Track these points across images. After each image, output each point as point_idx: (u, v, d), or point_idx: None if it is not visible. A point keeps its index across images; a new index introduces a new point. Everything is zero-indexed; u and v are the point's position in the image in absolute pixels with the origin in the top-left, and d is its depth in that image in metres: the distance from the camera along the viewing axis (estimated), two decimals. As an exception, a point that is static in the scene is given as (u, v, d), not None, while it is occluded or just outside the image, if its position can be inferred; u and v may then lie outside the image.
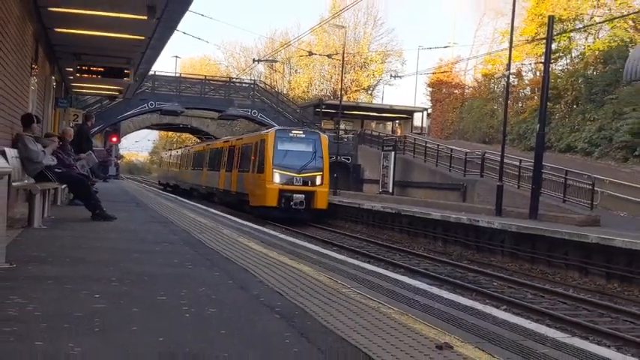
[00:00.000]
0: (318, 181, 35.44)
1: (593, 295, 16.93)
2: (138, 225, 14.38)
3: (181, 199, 33.56)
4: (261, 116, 56.36)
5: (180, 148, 75.99)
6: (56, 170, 13.90)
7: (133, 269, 8.25)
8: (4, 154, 9.12)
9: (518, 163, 34.14)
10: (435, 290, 8.70)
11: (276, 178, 34.51)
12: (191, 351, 4.80)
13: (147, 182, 66.29)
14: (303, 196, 34.63)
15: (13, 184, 10.15)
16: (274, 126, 48.35)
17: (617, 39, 44.06)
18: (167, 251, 10.35)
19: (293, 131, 37.87)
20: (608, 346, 9.79)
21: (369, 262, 15.56)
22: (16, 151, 11.89)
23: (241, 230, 15.36)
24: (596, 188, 29.70)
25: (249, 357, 4.77)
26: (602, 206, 29.22)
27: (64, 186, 16.56)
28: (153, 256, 9.68)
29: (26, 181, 11.89)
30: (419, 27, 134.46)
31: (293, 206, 34.34)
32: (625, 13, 43.14)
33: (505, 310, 11.34)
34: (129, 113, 54.90)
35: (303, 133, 37.83)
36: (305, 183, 35.14)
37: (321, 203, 35.52)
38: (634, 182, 30.29)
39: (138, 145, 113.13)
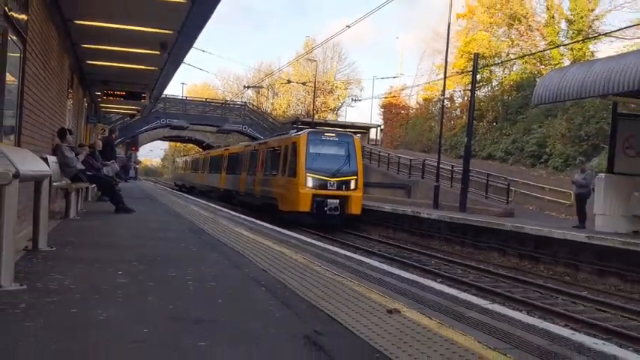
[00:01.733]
0: (352, 185, 26.57)
1: (510, 271, 17.04)
2: (152, 217, 14.33)
3: (188, 196, 33.25)
4: (250, 130, 56.29)
5: (196, 153, 67.91)
6: (87, 173, 13.92)
7: (149, 252, 8.21)
8: (46, 160, 9.04)
9: (450, 168, 34.44)
10: (386, 267, 8.72)
11: (309, 183, 25.85)
12: (195, 316, 4.78)
13: (159, 183, 65.75)
14: (338, 201, 25.96)
15: (54, 184, 10.06)
16: (260, 138, 47.02)
17: (527, 72, 44.51)
18: (176, 237, 10.30)
19: (326, 134, 28.40)
20: (521, 311, 9.85)
21: (332, 245, 15.55)
22: (55, 157, 11.81)
23: (235, 221, 15.33)
24: (510, 187, 30.05)
25: (240, 320, 4.76)
26: (515, 202, 29.46)
27: (93, 185, 16.50)
28: (164, 241, 9.63)
29: (63, 182, 11.81)
30: (374, 61, 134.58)
31: (327, 212, 25.80)
32: (533, 51, 43.56)
33: (441, 282, 11.38)
34: (145, 128, 54.87)
35: (336, 136, 28.19)
36: (339, 187, 26.31)
37: (355, 208, 26.58)
38: (539, 183, 30.71)
39: (152, 152, 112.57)
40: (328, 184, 25.97)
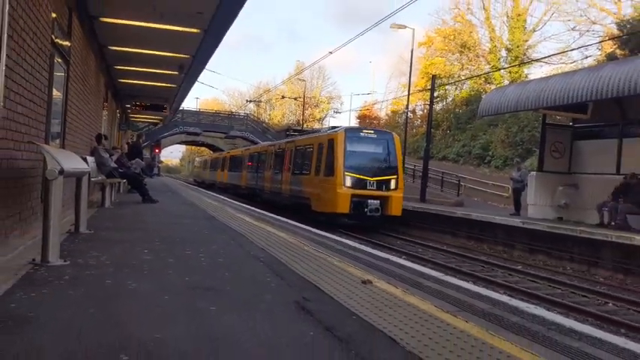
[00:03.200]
0: (392, 185, 20.79)
1: (459, 250, 17.11)
2: (172, 206, 14.26)
3: (202, 190, 32.94)
4: (251, 136, 56.16)
5: (215, 153, 59.46)
6: (119, 170, 13.87)
7: (169, 234, 8.18)
8: (85, 160, 8.97)
9: (413, 167, 34.64)
10: (361, 247, 8.74)
11: (348, 182, 20.12)
12: (207, 285, 4.78)
13: (178, 179, 65.36)
14: (379, 201, 20.24)
15: (92, 179, 10.00)
16: (259, 143, 44.61)
17: (474, 90, 44.71)
18: (191, 223, 10.26)
19: (364, 130, 22.10)
20: (468, 281, 9.91)
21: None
22: (93, 158, 11.74)
23: (240, 210, 15.29)
24: (460, 183, 30.21)
25: (243, 289, 4.76)
26: (464, 194, 29.55)
27: (124, 180, 16.41)
28: (182, 226, 9.60)
29: (100, 178, 11.73)
30: (352, 80, 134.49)
31: (368, 213, 20.05)
32: (479, 73, 43.75)
33: (405, 259, 11.42)
34: (166, 134, 54.67)
35: (375, 133, 22.08)
36: (379, 187, 20.51)
37: (395, 209, 20.72)
38: (483, 179, 30.98)
39: (172, 154, 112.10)
40: (368, 184, 20.17)
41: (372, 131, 21.79)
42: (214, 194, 25.97)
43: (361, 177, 20.12)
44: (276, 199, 26.93)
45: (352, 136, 20.79)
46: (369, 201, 19.92)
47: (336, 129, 21.55)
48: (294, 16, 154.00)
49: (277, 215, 13.82)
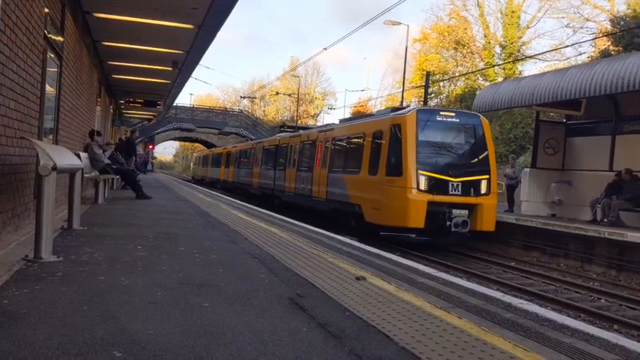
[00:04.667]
0: (483, 187, 14.78)
1: (454, 247, 17.10)
2: (166, 202, 14.23)
3: (196, 186, 32.67)
4: (246, 132, 56.11)
5: (219, 148, 50.85)
6: (113, 166, 13.83)
7: (163, 230, 8.17)
8: (79, 156, 8.95)
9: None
10: (355, 243, 8.75)
11: (423, 185, 14.15)
12: (200, 281, 4.78)
13: (172, 175, 65.23)
14: (467, 211, 14.40)
15: (85, 175, 9.97)
16: (253, 139, 43.15)
17: (468, 86, 44.73)
18: (185, 219, 10.25)
19: (442, 112, 15.65)
20: (462, 277, 9.94)
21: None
22: (86, 154, 11.72)
23: (233, 206, 15.27)
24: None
25: (236, 285, 4.76)
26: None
27: (118, 177, 16.37)
28: (176, 222, 9.58)
29: (93, 174, 11.72)
30: (346, 76, 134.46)
31: (452, 227, 14.18)
32: (474, 70, 43.82)
33: (398, 255, 11.42)
34: (160, 130, 54.61)
35: (457, 116, 15.60)
36: (466, 191, 14.50)
37: (488, 222, 14.63)
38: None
39: (165, 150, 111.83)
40: (450, 187, 14.20)
41: (454, 113, 15.50)
42: (208, 190, 25.86)
43: (441, 177, 14.17)
44: (302, 203, 20.83)
45: (426, 119, 14.79)
46: (454, 211, 14.09)
47: (401, 111, 15.76)
48: (297, 16, 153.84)
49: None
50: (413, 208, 13.78)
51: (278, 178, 24.54)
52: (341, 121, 21.45)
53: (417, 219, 13.75)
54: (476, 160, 15.08)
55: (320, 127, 22.82)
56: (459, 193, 14.27)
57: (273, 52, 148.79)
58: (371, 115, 20.41)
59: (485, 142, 15.19)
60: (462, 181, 14.33)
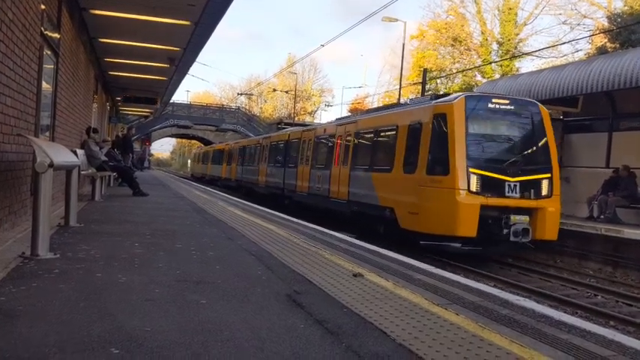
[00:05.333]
0: (544, 188, 12.24)
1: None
2: (163, 199, 14.22)
3: (192, 182, 32.64)
4: (243, 129, 56.07)
5: (220, 144, 47.64)
6: (110, 163, 13.82)
7: (160, 227, 8.16)
8: (75, 153, 8.93)
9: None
10: (353, 240, 8.75)
11: (475, 185, 11.67)
12: (197, 278, 4.78)
13: (169, 172, 65.08)
14: (528, 217, 11.97)
15: (82, 172, 9.96)
16: (251, 136, 42.67)
17: (466, 83, 44.75)
18: (182, 216, 10.24)
19: (494, 100, 12.58)
20: (459, 274, 9.95)
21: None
22: (83, 151, 11.69)
23: (230, 203, 15.27)
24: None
25: (233, 282, 4.76)
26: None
27: (114, 174, 16.34)
28: (173, 219, 9.57)
29: (90, 171, 11.69)
30: (344, 73, 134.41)
31: (511, 237, 11.73)
32: (471, 67, 43.84)
33: (395, 252, 11.45)
34: (157, 127, 54.53)
35: (511, 103, 12.69)
36: (524, 193, 12.01)
37: (551, 230, 12.24)
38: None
39: (162, 147, 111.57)
40: (507, 188, 11.90)
41: (507, 100, 12.85)
42: (205, 187, 25.80)
43: (496, 176, 11.94)
44: (317, 204, 18.79)
45: (477, 107, 12.42)
46: (512, 216, 11.84)
47: (445, 98, 13.05)
48: (297, 13, 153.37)
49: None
50: (463, 213, 11.56)
51: (288, 177, 22.36)
52: (364, 112, 19.46)
53: (468, 226, 11.52)
54: (535, 155, 12.72)
55: (339, 119, 20.12)
56: (517, 195, 11.96)
57: (273, 49, 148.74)
58: (403, 104, 17.42)
59: (546, 134, 12.73)
60: (519, 181, 12.00)
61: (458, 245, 11.89)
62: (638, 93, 15.01)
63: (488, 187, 11.81)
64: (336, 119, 21.01)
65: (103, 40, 13.58)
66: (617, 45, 28.76)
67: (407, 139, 13.32)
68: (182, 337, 3.19)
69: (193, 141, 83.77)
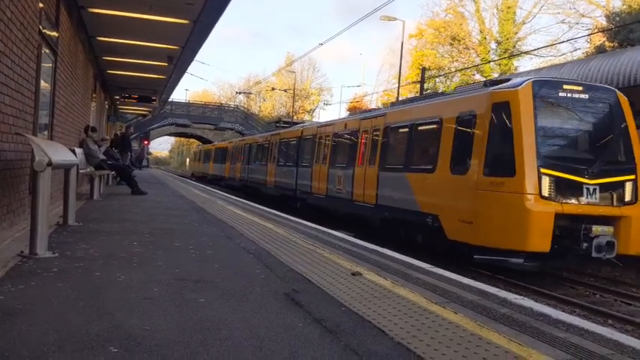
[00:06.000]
0: (628, 193, 9.71)
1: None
2: (162, 198, 14.21)
3: (191, 181, 32.59)
4: (241, 128, 56.02)
5: (223, 141, 45.31)
6: (108, 162, 13.82)
7: (159, 226, 8.16)
8: (74, 152, 8.94)
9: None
10: (351, 239, 8.76)
11: (547, 189, 9.23)
12: (196, 277, 4.78)
13: (167, 171, 64.98)
14: (612, 228, 9.42)
15: (80, 171, 9.97)
16: (249, 135, 40.76)
17: (464, 82, 44.67)
18: (181, 215, 10.24)
19: (565, 86, 10.08)
20: (457, 274, 9.96)
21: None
22: (81, 149, 11.69)
23: (229, 201, 15.26)
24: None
25: (232, 281, 4.76)
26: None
27: (113, 172, 16.34)
28: (172, 217, 9.57)
29: (88, 169, 11.69)
30: (343, 72, 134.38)
31: (594, 252, 9.20)
32: (470, 66, 43.85)
33: (394, 251, 11.45)
34: (155, 125, 54.45)
35: (585, 90, 10.19)
36: (606, 197, 9.53)
37: (637, 244, 9.55)
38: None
39: (161, 146, 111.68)
40: (585, 192, 9.78)
41: (580, 87, 10.64)
42: (203, 186, 25.76)
43: (572, 178, 9.78)
44: (336, 208, 17.07)
45: (547, 95, 10.31)
46: (594, 227, 9.60)
47: (505, 84, 10.85)
48: (298, 12, 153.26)
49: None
50: (535, 223, 9.41)
51: (301, 177, 20.25)
52: (393, 104, 17.11)
53: (540, 239, 9.38)
54: (616, 152, 10.46)
55: (363, 113, 18.27)
56: (597, 200, 9.77)
57: (273, 47, 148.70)
58: (447, 93, 15.13)
59: (627, 127, 10.42)
60: (600, 184, 9.81)
61: (519, 261, 9.75)
62: (637, 92, 15.04)
63: (563, 191, 9.68)
64: (360, 112, 18.93)
65: (102, 38, 13.56)
66: (616, 44, 28.77)
67: (455, 133, 11.30)
68: (181, 336, 3.19)
69: (192, 140, 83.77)
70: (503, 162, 9.98)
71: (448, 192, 11.12)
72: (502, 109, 10.20)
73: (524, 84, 10.18)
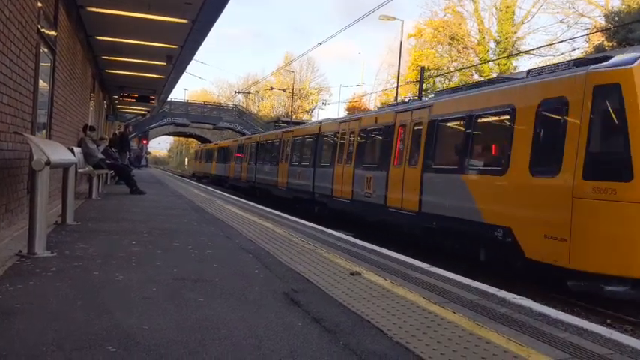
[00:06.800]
0: None
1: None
2: (161, 197, 14.21)
3: (189, 181, 32.56)
4: (240, 127, 55.99)
5: (228, 140, 43.08)
6: (107, 162, 13.82)
7: (158, 226, 8.15)
8: (72, 151, 8.91)
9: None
10: (351, 239, 8.76)
11: None
12: (195, 276, 4.77)
13: (166, 170, 64.95)
14: None
15: (79, 170, 9.95)
16: (248, 134, 40.95)
17: (463, 82, 44.69)
18: (180, 214, 10.23)
19: None
20: (457, 273, 9.95)
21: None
22: (80, 149, 11.68)
23: (227, 201, 15.26)
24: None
25: (231, 280, 4.76)
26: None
27: (112, 172, 16.33)
28: (171, 217, 9.57)
29: (87, 169, 11.69)
30: (342, 71, 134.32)
31: None
32: (469, 65, 43.87)
33: (394, 251, 11.46)
34: (154, 125, 54.40)
35: None
36: None
37: None
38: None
39: (160, 145, 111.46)
40: None
41: None
42: (201, 185, 25.73)
43: None
44: (366, 214, 15.04)
45: None
46: None
47: (607, 62, 8.43)
48: (300, 12, 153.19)
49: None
50: None
51: (320, 179, 18.22)
52: (439, 93, 14.80)
53: None
54: None
55: (398, 105, 15.65)
56: None
57: (275, 48, 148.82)
58: (519, 77, 10.95)
59: None
60: None
61: (623, 289, 7.79)
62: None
63: None
64: (394, 104, 17.33)
65: (100, 37, 13.54)
66: (615, 43, 28.80)
67: (536, 125, 9.14)
68: (180, 335, 3.19)
69: (190, 139, 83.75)
70: (612, 162, 7.94)
71: (526, 199, 8.99)
72: (608, 92, 8.06)
73: (638, 61, 7.91)
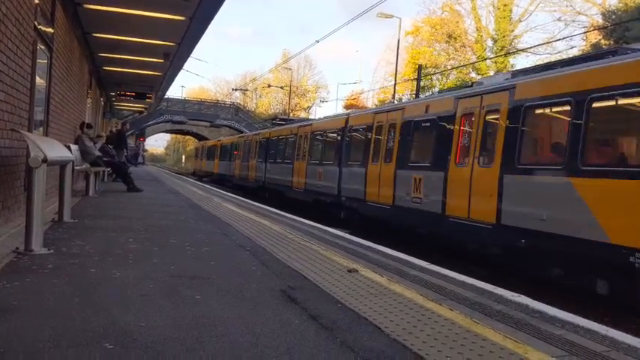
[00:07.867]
0: None
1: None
2: (158, 195, 14.19)
3: (187, 178, 32.51)
4: (237, 125, 55.95)
5: (234, 136, 40.17)
6: (104, 159, 13.79)
7: (154, 223, 8.15)
8: (69, 148, 8.90)
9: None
10: (348, 236, 8.76)
11: None
12: (192, 274, 4.77)
13: (163, 168, 64.84)
14: None
15: (76, 168, 9.92)
16: (246, 132, 40.91)
17: (460, 80, 44.76)
18: (177, 212, 10.22)
19: None
20: (453, 270, 9.96)
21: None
22: (77, 146, 11.65)
23: (225, 198, 15.25)
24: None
25: (228, 277, 4.76)
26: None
27: (109, 169, 16.30)
28: (167, 214, 9.55)
29: (84, 166, 11.65)
30: (340, 69, 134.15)
31: None
32: (466, 63, 43.89)
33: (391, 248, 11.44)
34: (151, 122, 54.33)
35: None
36: None
37: None
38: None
39: (157, 142, 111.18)
40: None
41: None
42: (197, 182, 25.68)
43: None
44: (412, 223, 12.43)
45: None
46: None
47: None
48: (302, 10, 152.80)
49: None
50: None
51: (349, 179, 15.68)
52: (524, 72, 10.97)
53: None
54: None
55: (460, 90, 12.81)
56: None
57: (274, 46, 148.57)
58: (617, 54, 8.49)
59: None
60: None
61: None
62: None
63: None
64: (453, 89, 15.25)
65: (97, 34, 13.51)
66: (612, 42, 28.83)
67: None
68: (177, 333, 3.18)
69: (188, 136, 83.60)
70: None
71: None
72: None
73: None
